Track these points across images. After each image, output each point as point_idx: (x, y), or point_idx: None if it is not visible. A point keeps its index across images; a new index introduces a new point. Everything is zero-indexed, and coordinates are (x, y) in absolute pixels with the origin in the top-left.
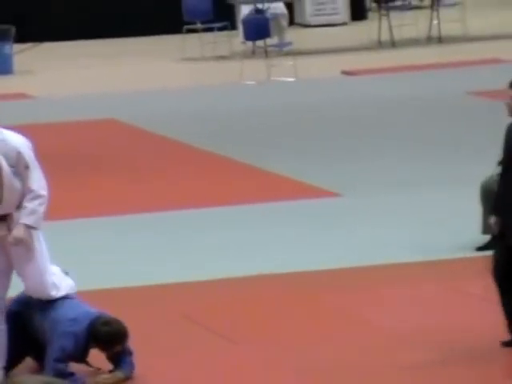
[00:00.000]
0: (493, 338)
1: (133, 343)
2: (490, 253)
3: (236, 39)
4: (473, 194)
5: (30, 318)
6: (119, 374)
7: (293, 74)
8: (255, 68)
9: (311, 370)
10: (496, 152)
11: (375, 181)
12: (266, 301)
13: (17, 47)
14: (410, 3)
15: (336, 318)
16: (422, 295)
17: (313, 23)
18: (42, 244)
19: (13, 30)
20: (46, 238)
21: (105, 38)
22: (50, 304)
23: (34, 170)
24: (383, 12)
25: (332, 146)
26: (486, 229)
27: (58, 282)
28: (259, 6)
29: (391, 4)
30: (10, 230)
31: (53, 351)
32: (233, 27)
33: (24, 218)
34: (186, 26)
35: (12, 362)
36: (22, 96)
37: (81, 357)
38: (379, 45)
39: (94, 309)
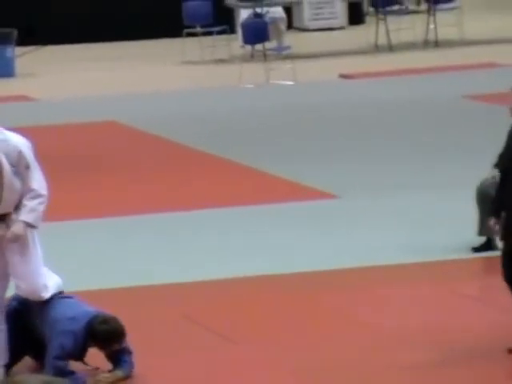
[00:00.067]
0: (491, 339)
1: (133, 343)
2: (485, 254)
3: (235, 43)
4: (469, 196)
5: (30, 316)
6: (119, 373)
7: (291, 77)
8: (254, 71)
9: (310, 370)
10: (492, 155)
11: (372, 183)
12: (265, 301)
13: (19, 50)
14: (407, 8)
15: (334, 318)
16: (419, 296)
17: (311, 27)
18: (36, 246)
19: (15, 33)
20: (47, 238)
21: (106, 42)
22: (48, 303)
23: (34, 169)
24: (380, 16)
25: (330, 148)
26: (481, 231)
27: (48, 282)
28: (258, 10)
29: (388, 8)
30: (8, 230)
31: (52, 349)
32: (232, 31)
33: (23, 216)
34: (185, 30)
35: (11, 361)
36: (23, 98)
37: (79, 355)
38: (376, 49)
39: (92, 308)
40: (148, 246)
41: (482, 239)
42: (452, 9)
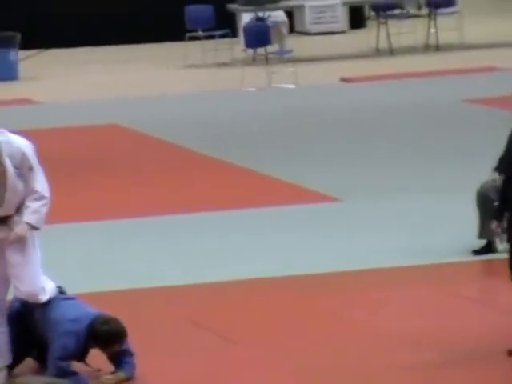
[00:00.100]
0: (491, 340)
1: (135, 344)
2: (485, 257)
3: (237, 46)
4: (469, 199)
5: (32, 318)
6: (121, 375)
7: (293, 80)
8: (256, 75)
9: (310, 370)
10: (492, 158)
11: (373, 186)
12: (265, 303)
13: (22, 54)
14: (407, 12)
15: (334, 320)
16: (420, 298)
17: (313, 31)
18: (36, 248)
19: (18, 36)
20: (49, 240)
21: (109, 45)
22: (50, 305)
23: (37, 171)
24: (381, 20)
25: (331, 151)
26: (481, 234)
27: (46, 285)
28: (260, 14)
29: (389, 12)
30: (9, 233)
31: (55, 350)
32: (234, 35)
33: (27, 217)
34: (188, 34)
35: (13, 363)
36: (27, 101)
37: (81, 356)
38: (377, 52)
39: (93, 309)
40: (150, 248)
41: (482, 242)
42: (452, 13)
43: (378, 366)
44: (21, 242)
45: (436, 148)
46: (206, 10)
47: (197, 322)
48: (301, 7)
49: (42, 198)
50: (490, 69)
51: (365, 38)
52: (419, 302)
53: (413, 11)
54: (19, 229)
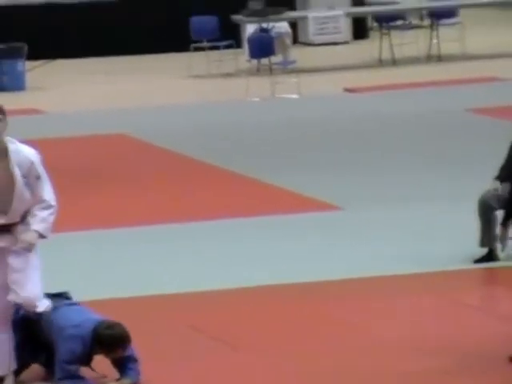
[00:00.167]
0: (492, 347)
1: (138, 351)
2: (486, 265)
3: (241, 57)
4: (470, 208)
5: (37, 324)
6: (126, 382)
7: (296, 90)
8: (260, 85)
9: (311, 377)
10: (493, 167)
11: (375, 195)
12: (267, 310)
13: (29, 64)
14: (410, 23)
15: (336, 327)
16: (421, 305)
17: (316, 42)
18: (38, 257)
19: (25, 47)
20: (53, 249)
21: (114, 56)
22: (55, 310)
23: (45, 181)
24: (384, 31)
25: (334, 160)
26: (483, 242)
27: (43, 296)
28: (264, 25)
29: (392, 23)
30: (13, 242)
31: (61, 354)
32: (238, 46)
33: (36, 225)
34: (193, 45)
35: (19, 368)
36: (33, 111)
37: (87, 361)
38: (380, 63)
39: (97, 315)
40: (152, 255)
41: (484, 250)
42: (454, 24)
43: (379, 372)
44: (29, 250)
45: (438, 157)
46: (210, 21)
47: (200, 329)
48: (304, 18)
49: (49, 206)
50: (492, 79)
51: (368, 48)
52: (421, 309)
53: (415, 22)
54: (29, 236)
